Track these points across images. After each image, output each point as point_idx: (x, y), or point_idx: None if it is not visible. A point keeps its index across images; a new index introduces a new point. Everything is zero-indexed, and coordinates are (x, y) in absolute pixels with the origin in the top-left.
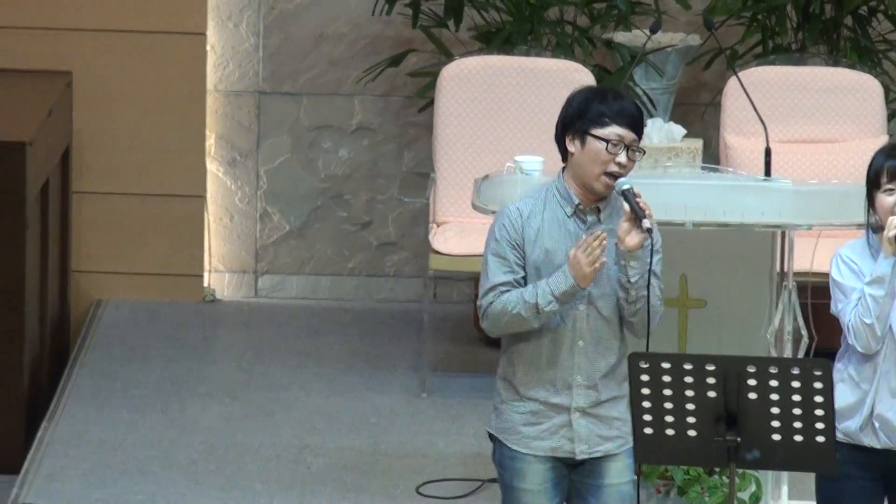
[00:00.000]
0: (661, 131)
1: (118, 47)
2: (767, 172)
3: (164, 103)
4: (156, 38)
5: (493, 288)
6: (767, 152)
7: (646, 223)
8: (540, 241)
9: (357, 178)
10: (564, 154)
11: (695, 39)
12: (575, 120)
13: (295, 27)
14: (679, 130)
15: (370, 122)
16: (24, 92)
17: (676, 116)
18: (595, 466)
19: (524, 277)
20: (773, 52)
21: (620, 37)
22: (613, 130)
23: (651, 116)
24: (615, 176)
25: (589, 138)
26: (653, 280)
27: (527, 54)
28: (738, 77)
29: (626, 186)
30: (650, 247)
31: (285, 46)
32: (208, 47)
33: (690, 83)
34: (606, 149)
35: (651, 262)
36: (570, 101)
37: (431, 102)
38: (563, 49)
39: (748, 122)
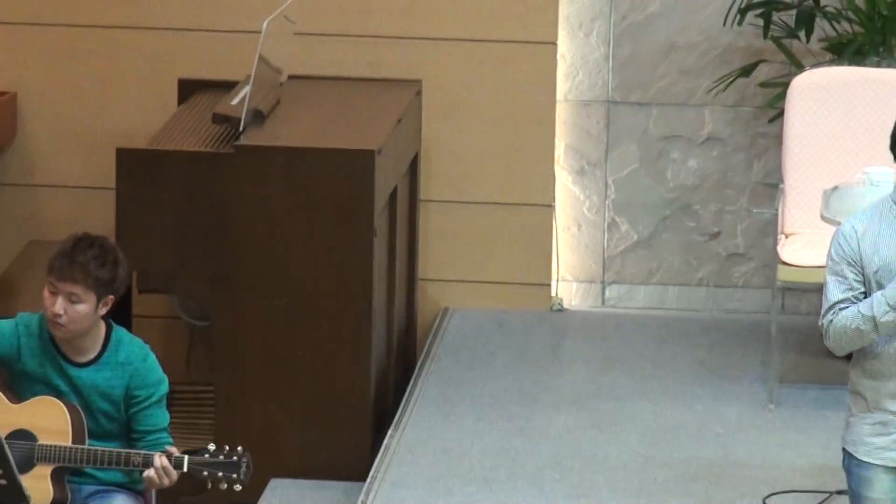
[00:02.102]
0: None
1: (468, 56)
2: None
3: (514, 112)
4: (506, 47)
5: (832, 307)
6: None
7: None
8: (878, 255)
9: (706, 189)
10: None
11: None
12: None
13: (645, 37)
14: None
15: (720, 133)
16: (374, 100)
17: None
18: None
19: (864, 293)
20: None
21: None
22: None
23: None
24: None
25: None
26: None
27: (878, 66)
28: None
29: None
30: None
31: (635, 56)
32: (559, 57)
33: None
34: None
35: None
36: None
37: (781, 113)
38: None
39: None
